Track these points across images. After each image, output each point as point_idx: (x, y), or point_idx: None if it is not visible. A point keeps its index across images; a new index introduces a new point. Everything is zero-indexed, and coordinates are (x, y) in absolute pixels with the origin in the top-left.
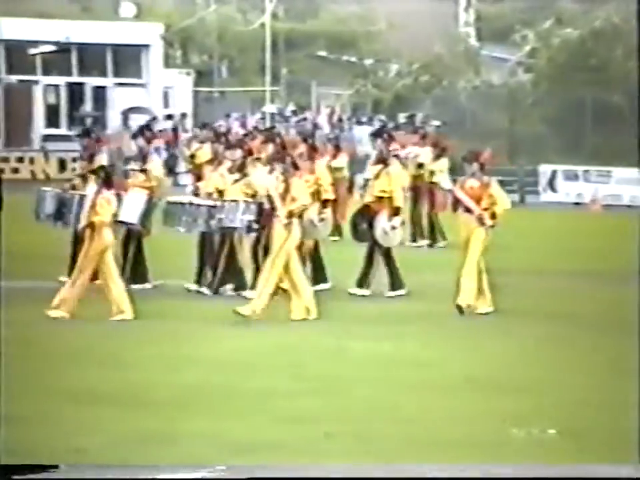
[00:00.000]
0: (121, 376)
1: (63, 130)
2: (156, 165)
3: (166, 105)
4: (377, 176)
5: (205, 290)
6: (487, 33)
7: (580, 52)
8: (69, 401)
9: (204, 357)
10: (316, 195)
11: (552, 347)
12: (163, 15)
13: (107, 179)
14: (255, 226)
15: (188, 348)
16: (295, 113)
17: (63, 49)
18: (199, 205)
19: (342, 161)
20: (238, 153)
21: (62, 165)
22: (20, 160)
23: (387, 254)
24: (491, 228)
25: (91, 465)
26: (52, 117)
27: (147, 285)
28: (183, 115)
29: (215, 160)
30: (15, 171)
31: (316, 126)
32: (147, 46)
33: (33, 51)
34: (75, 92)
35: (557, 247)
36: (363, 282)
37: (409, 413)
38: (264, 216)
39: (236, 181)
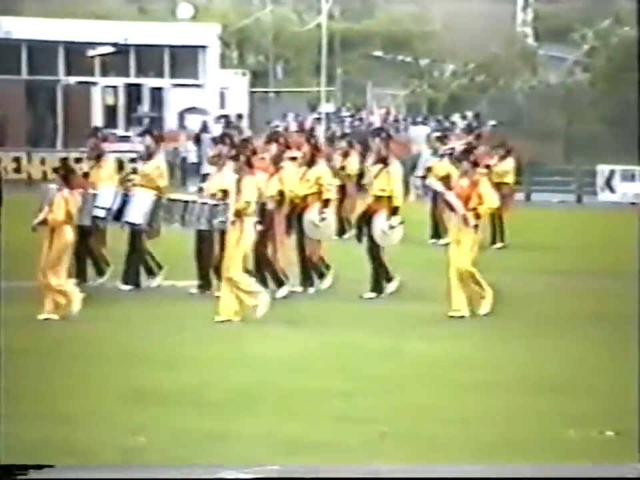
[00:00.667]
0: (175, 377)
1: (120, 131)
2: (161, 163)
3: (222, 105)
4: (376, 175)
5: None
6: (544, 32)
7: (638, 51)
8: (121, 401)
9: (257, 357)
10: (317, 195)
11: (607, 349)
12: (219, 15)
13: (66, 177)
14: (258, 227)
15: (240, 348)
16: (352, 115)
17: (121, 50)
18: (203, 204)
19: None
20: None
21: (119, 165)
22: (78, 160)
23: (377, 254)
24: (475, 228)
25: (90, 465)
26: (110, 117)
27: (154, 283)
28: (239, 116)
29: (220, 160)
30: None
31: (370, 126)
32: (203, 47)
33: (91, 52)
34: (133, 93)
35: (611, 246)
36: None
37: (462, 414)
38: (267, 216)
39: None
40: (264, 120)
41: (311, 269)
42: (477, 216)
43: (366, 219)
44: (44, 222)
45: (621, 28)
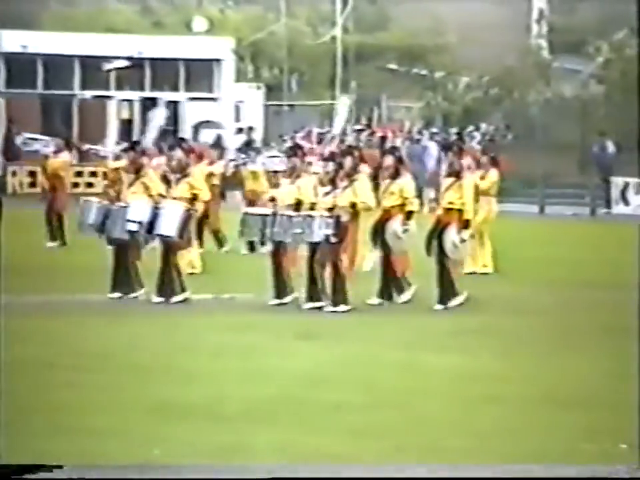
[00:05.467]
0: (193, 389)
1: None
2: (198, 176)
3: (237, 119)
4: (447, 188)
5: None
6: (559, 44)
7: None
8: (141, 413)
9: (275, 370)
10: (399, 207)
11: (621, 361)
12: (233, 29)
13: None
14: (333, 240)
15: (259, 361)
16: (368, 125)
17: (136, 64)
18: (286, 216)
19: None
20: (330, 166)
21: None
22: (93, 174)
23: (446, 267)
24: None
25: (93, 466)
26: (126, 131)
27: (180, 297)
28: (250, 128)
29: (293, 172)
30: (90, 185)
31: (383, 139)
32: (218, 60)
33: (106, 66)
34: (148, 106)
35: (623, 259)
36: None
37: (479, 427)
38: (342, 229)
39: (326, 193)
40: (277, 133)
41: (392, 283)
42: None
43: (437, 231)
44: None
45: (635, 40)
